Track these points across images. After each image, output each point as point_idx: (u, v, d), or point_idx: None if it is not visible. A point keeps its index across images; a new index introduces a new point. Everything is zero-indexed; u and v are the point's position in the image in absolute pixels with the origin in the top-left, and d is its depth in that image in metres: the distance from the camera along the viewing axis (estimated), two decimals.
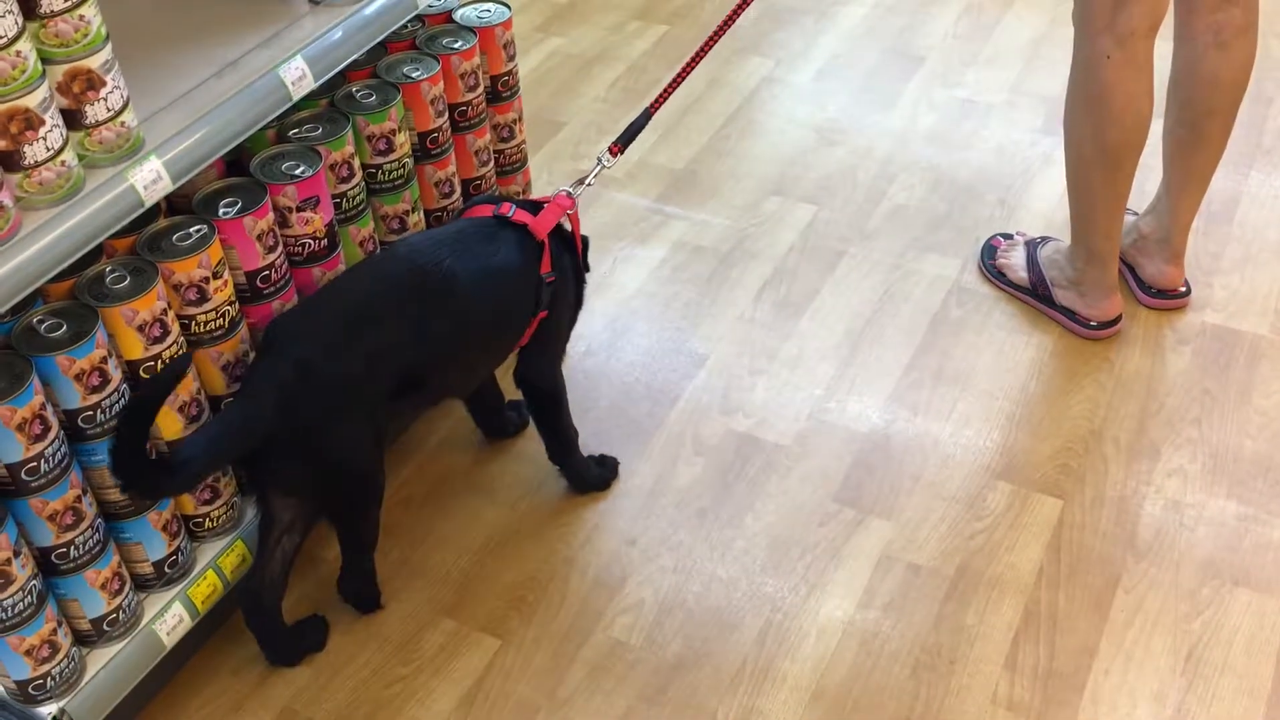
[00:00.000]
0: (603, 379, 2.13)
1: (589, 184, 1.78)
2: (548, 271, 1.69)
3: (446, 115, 1.84)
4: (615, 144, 1.82)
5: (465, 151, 1.93)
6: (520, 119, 2.04)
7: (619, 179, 2.55)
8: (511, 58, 1.96)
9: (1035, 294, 2.18)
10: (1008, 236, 2.30)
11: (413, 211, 1.84)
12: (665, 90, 1.85)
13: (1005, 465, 1.94)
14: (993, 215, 2.41)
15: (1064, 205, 2.41)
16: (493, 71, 1.94)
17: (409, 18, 1.77)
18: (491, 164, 1.99)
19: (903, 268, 2.31)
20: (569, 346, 2.13)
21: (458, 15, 1.91)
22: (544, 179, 2.57)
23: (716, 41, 1.84)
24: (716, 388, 2.10)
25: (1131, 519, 1.84)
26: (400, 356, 1.53)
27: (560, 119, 2.77)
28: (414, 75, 1.78)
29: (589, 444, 1.96)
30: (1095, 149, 1.94)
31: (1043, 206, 2.42)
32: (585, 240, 1.83)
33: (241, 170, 1.63)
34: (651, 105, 1.84)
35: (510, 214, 1.67)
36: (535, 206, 1.71)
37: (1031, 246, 2.23)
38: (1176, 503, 1.86)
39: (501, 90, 1.97)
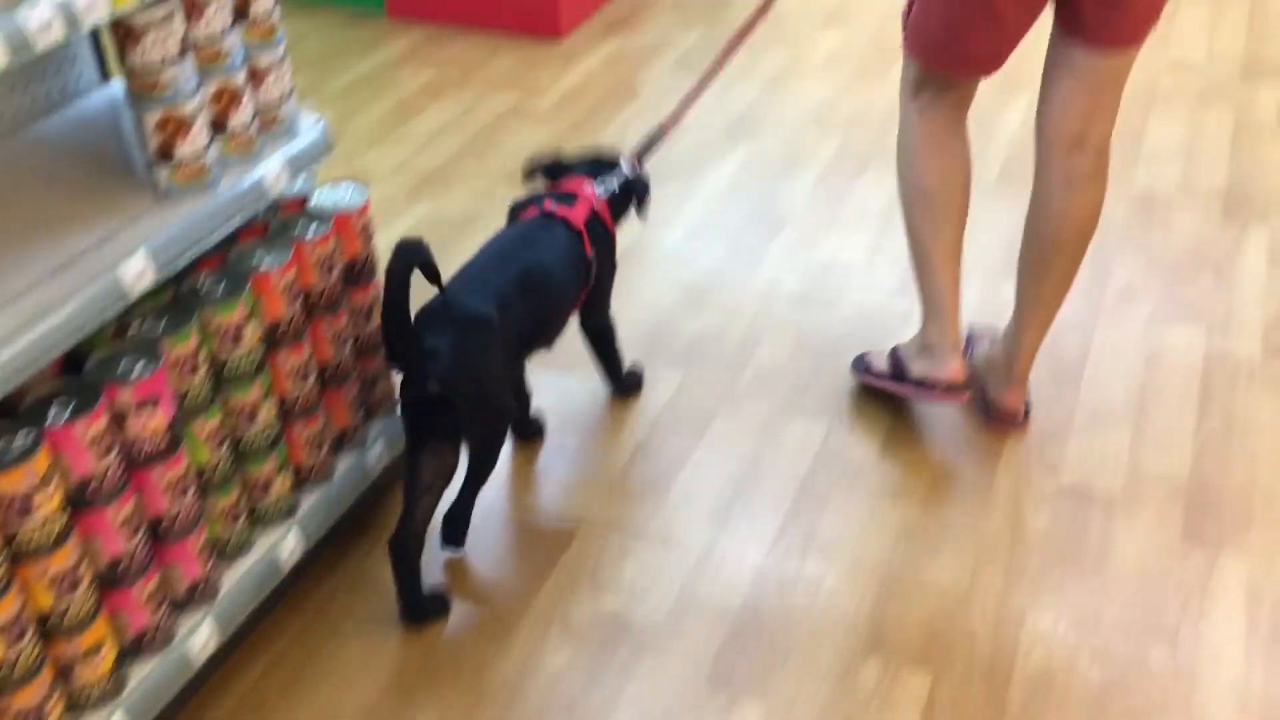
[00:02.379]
0: (469, 550, 2.08)
1: (614, 190, 2.18)
2: (589, 254, 2.09)
3: (300, 302, 1.81)
4: (633, 156, 2.26)
5: (321, 335, 1.89)
6: (379, 300, 2.01)
7: None
8: (368, 240, 1.94)
9: (893, 376, 2.32)
10: None
11: (265, 399, 1.78)
12: (683, 102, 2.32)
13: (875, 637, 1.93)
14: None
15: None
16: (349, 255, 1.92)
17: (263, 204, 1.76)
18: (350, 345, 1.96)
19: (770, 432, 2.32)
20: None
21: (313, 200, 1.90)
22: None
23: (737, 48, 2.30)
24: (586, 563, 2.06)
25: (1000, 690, 1.84)
26: (528, 324, 1.96)
27: (429, 286, 2.74)
28: (265, 264, 1.75)
29: (455, 628, 1.90)
30: (914, 192, 2.17)
31: None
32: (642, 190, 2.26)
33: (79, 365, 1.57)
34: (665, 120, 2.29)
35: (553, 209, 2.07)
36: (570, 198, 2.11)
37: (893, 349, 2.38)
38: (1046, 670, 1.86)
39: (359, 273, 1.95)
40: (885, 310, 2.63)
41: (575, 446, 2.31)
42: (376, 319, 2.02)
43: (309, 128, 1.84)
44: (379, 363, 2.06)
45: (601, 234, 2.14)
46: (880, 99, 3.46)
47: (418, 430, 1.87)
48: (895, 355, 2.32)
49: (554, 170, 2.22)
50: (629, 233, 2.89)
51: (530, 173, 2.25)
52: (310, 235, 1.82)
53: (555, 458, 2.28)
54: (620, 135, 3.31)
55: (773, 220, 2.96)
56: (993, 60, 2.02)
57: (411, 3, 4.02)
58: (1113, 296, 2.65)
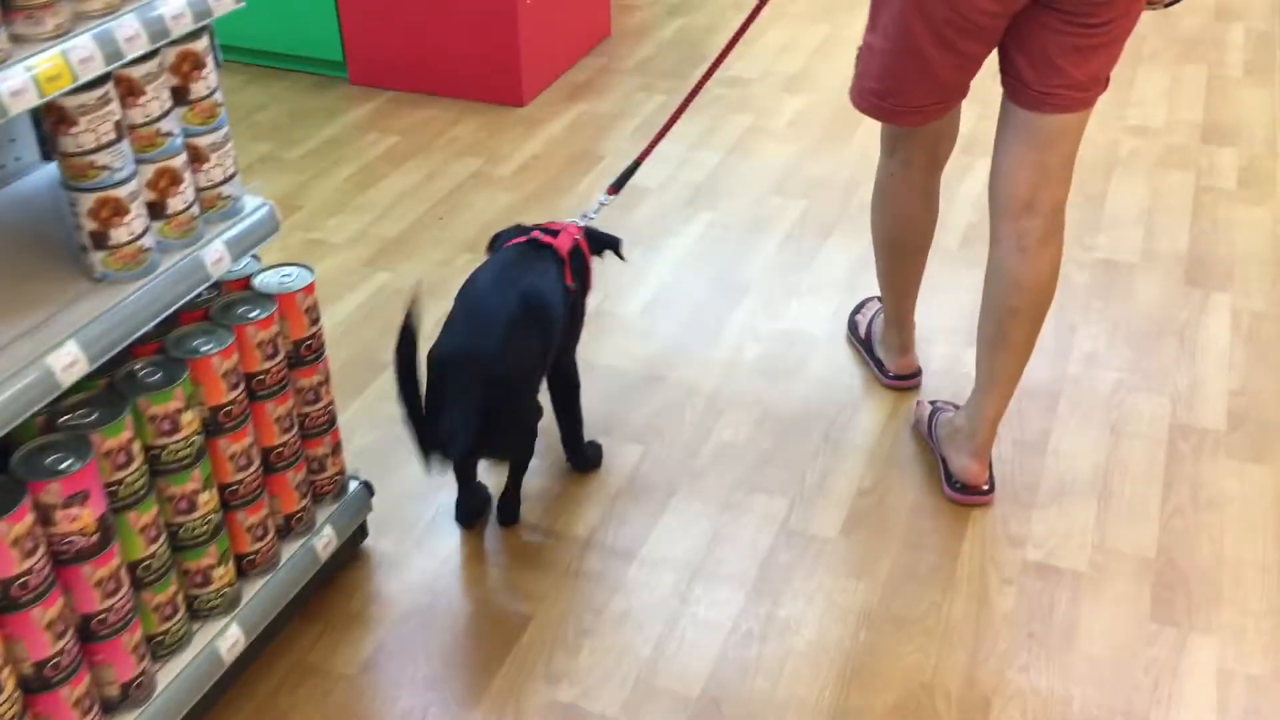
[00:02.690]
0: (421, 638, 2.01)
1: (591, 217, 2.23)
2: (570, 283, 2.13)
3: (242, 386, 1.76)
4: (611, 187, 2.30)
5: (265, 420, 1.84)
6: (326, 381, 1.96)
7: None
8: (315, 321, 1.90)
9: (864, 344, 2.63)
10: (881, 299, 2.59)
11: (204, 489, 1.73)
12: (657, 135, 2.32)
13: None
14: (818, 450, 2.41)
15: (886, 440, 2.45)
16: (294, 336, 1.87)
17: (203, 288, 1.71)
18: (296, 429, 1.91)
19: (731, 509, 2.28)
20: None
21: (257, 281, 1.85)
22: (362, 430, 2.49)
23: (694, 97, 2.31)
24: (541, 651, 2.00)
25: None
26: (541, 351, 2.05)
27: (385, 358, 2.69)
28: (205, 349, 1.70)
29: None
30: (878, 236, 2.37)
31: (868, 441, 2.43)
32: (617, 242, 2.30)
33: (6, 457, 1.51)
34: (640, 154, 2.32)
35: (540, 238, 2.14)
36: (554, 233, 2.16)
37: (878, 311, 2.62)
38: None
39: (305, 354, 1.90)
40: (847, 384, 2.60)
41: (532, 525, 2.25)
42: (324, 399, 1.97)
43: (253, 208, 1.80)
44: (327, 444, 2.01)
45: (581, 267, 2.18)
46: (844, 164, 3.47)
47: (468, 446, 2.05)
48: (870, 328, 2.62)
49: (518, 233, 2.22)
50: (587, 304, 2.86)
51: (493, 245, 2.25)
52: (253, 318, 1.77)
53: (511, 537, 2.23)
54: (582, 201, 3.28)
55: (735, 289, 2.93)
56: (933, 111, 2.10)
57: (374, 70, 4.01)
58: (1077, 364, 2.63)
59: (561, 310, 2.09)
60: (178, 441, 1.66)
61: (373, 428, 2.48)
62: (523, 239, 2.14)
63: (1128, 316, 2.79)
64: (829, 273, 2.98)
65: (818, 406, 2.53)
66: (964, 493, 2.25)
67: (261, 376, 1.80)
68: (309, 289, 1.87)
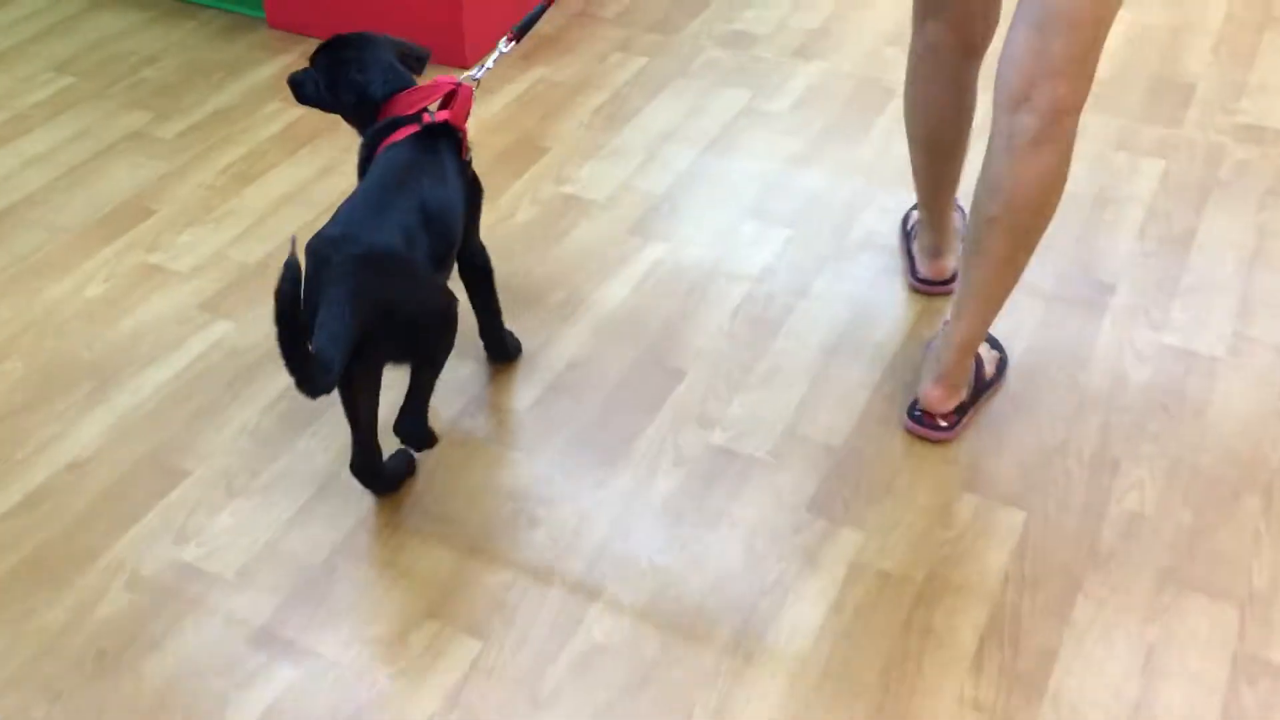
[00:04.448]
0: None
1: (489, 67, 2.00)
2: (467, 158, 1.94)
3: None
4: (513, 32, 2.01)
5: None
6: None
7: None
8: None
9: (905, 240, 2.40)
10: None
11: None
12: None
13: None
14: (717, 667, 1.73)
15: (822, 649, 1.77)
16: None
17: None
18: None
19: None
20: None
21: None
22: (117, 590, 1.86)
23: None
24: None
25: None
26: (429, 241, 1.79)
27: (184, 464, 2.06)
28: None
29: None
30: (909, 130, 2.14)
31: (800, 649, 1.74)
32: None
33: None
34: None
35: (434, 119, 1.88)
36: (447, 98, 1.90)
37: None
38: None
39: None
40: (783, 551, 1.89)
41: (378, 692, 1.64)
42: None
43: None
44: None
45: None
46: (850, 171, 2.68)
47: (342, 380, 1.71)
48: (910, 253, 2.37)
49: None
50: (472, 375, 2.16)
51: (305, 93, 1.99)
52: None
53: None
54: (511, 210, 2.58)
55: (668, 374, 2.21)
56: None
57: (296, 12, 3.28)
58: (1113, 533, 1.87)
59: (462, 206, 1.91)
60: None
61: (131, 586, 1.86)
62: (414, 128, 1.86)
63: (1195, 454, 2.01)
64: (796, 354, 2.24)
65: (736, 585, 1.84)
66: (918, 423, 2.03)
67: None
68: None
